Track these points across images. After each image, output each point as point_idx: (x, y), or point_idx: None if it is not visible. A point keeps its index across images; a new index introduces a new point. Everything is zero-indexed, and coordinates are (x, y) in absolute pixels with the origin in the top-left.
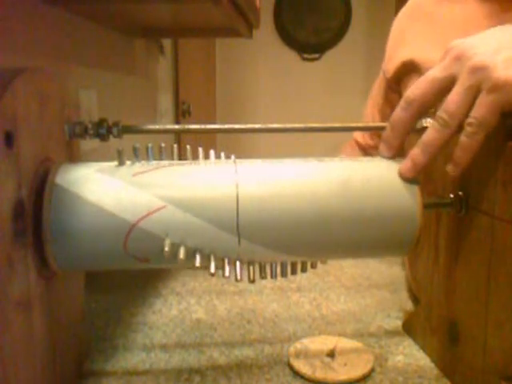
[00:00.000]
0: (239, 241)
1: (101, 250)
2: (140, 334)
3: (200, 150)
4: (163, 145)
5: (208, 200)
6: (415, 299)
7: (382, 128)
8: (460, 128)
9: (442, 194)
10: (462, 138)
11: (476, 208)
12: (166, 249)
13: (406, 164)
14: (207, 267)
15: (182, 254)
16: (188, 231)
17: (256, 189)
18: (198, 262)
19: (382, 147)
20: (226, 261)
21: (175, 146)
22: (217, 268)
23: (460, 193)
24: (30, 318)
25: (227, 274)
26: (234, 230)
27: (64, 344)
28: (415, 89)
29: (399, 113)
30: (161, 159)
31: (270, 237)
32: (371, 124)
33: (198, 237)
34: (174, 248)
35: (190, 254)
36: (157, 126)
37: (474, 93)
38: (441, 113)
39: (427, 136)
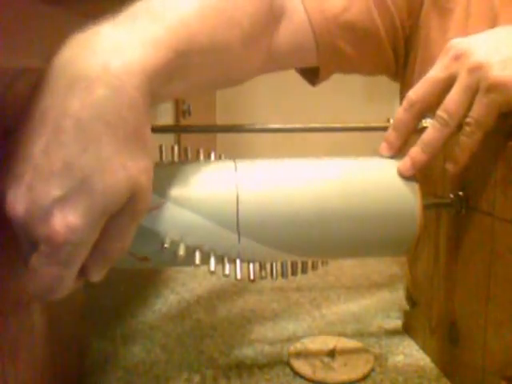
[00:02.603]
0: (239, 238)
1: None
2: (140, 333)
3: (201, 151)
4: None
5: (208, 197)
6: (411, 300)
7: (384, 128)
8: (459, 127)
9: (441, 194)
10: (461, 137)
11: (476, 208)
12: (166, 245)
13: (405, 163)
14: (207, 265)
15: (181, 251)
16: (188, 228)
17: (256, 186)
18: (197, 260)
19: (384, 146)
20: (226, 259)
21: (175, 146)
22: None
23: (460, 193)
24: (30, 317)
25: (227, 272)
26: (233, 228)
27: (64, 343)
28: (417, 90)
29: (402, 114)
30: (161, 159)
31: (270, 235)
32: (372, 124)
33: (198, 234)
34: (174, 245)
35: (190, 252)
36: (156, 126)
37: (473, 92)
38: (441, 112)
39: (427, 135)
